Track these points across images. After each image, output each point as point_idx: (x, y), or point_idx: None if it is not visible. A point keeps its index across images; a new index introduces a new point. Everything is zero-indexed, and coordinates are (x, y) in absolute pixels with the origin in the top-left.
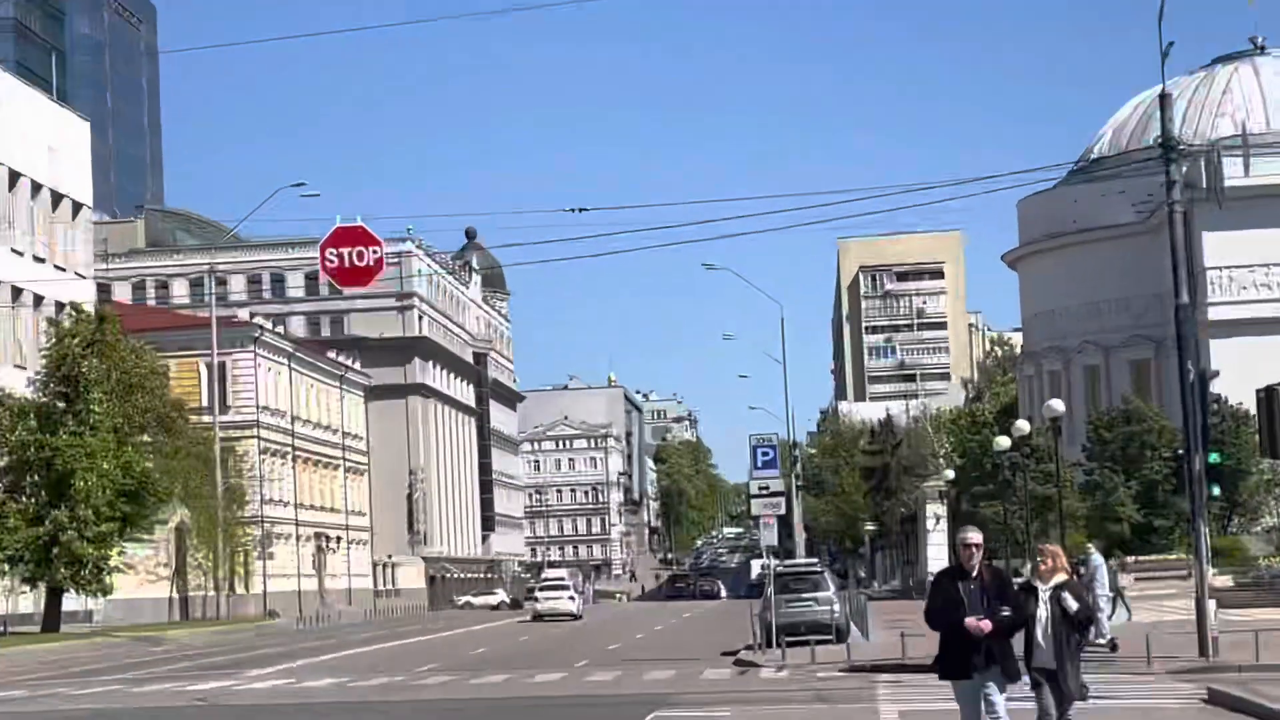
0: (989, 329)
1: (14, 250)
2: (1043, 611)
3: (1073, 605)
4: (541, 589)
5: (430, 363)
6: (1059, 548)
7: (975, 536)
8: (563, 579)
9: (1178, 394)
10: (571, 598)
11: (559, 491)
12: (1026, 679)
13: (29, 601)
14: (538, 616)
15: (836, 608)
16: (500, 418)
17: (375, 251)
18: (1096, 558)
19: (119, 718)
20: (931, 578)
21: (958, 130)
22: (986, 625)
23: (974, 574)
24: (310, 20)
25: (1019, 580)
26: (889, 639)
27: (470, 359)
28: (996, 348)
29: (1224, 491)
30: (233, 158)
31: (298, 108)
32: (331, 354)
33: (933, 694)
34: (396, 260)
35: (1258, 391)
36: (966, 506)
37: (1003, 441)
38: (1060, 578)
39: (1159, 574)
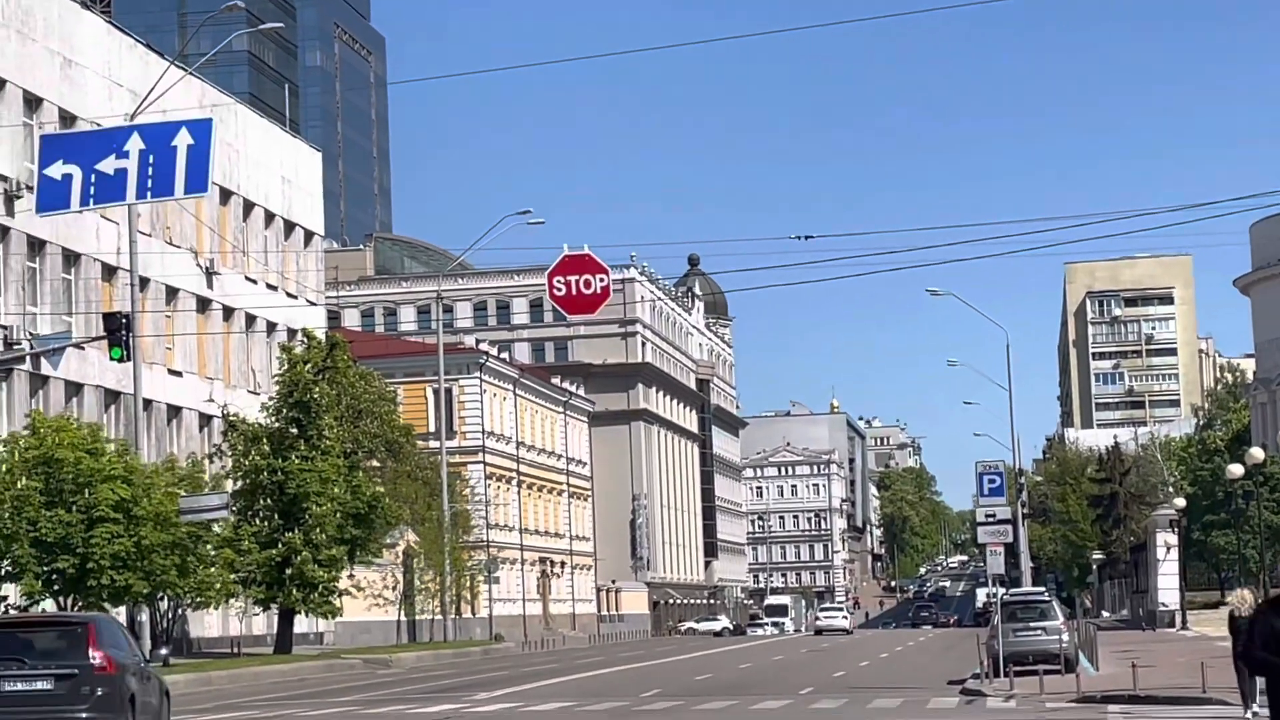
0: (1220, 355)
1: (248, 278)
2: None
3: None
4: (821, 610)
5: (653, 389)
6: None
7: None
8: (839, 607)
9: None
10: (845, 616)
11: (781, 518)
12: None
13: (261, 623)
14: (818, 631)
15: (1065, 637)
16: (722, 444)
17: (602, 280)
18: None
19: None
20: (1234, 608)
21: (1186, 151)
22: None
23: None
24: (534, 48)
25: None
26: (1119, 669)
27: (693, 385)
28: (1228, 374)
29: None
30: (460, 186)
31: (524, 136)
32: (556, 380)
33: None
34: (621, 287)
35: None
36: (1198, 535)
37: (1235, 469)
38: None
39: None
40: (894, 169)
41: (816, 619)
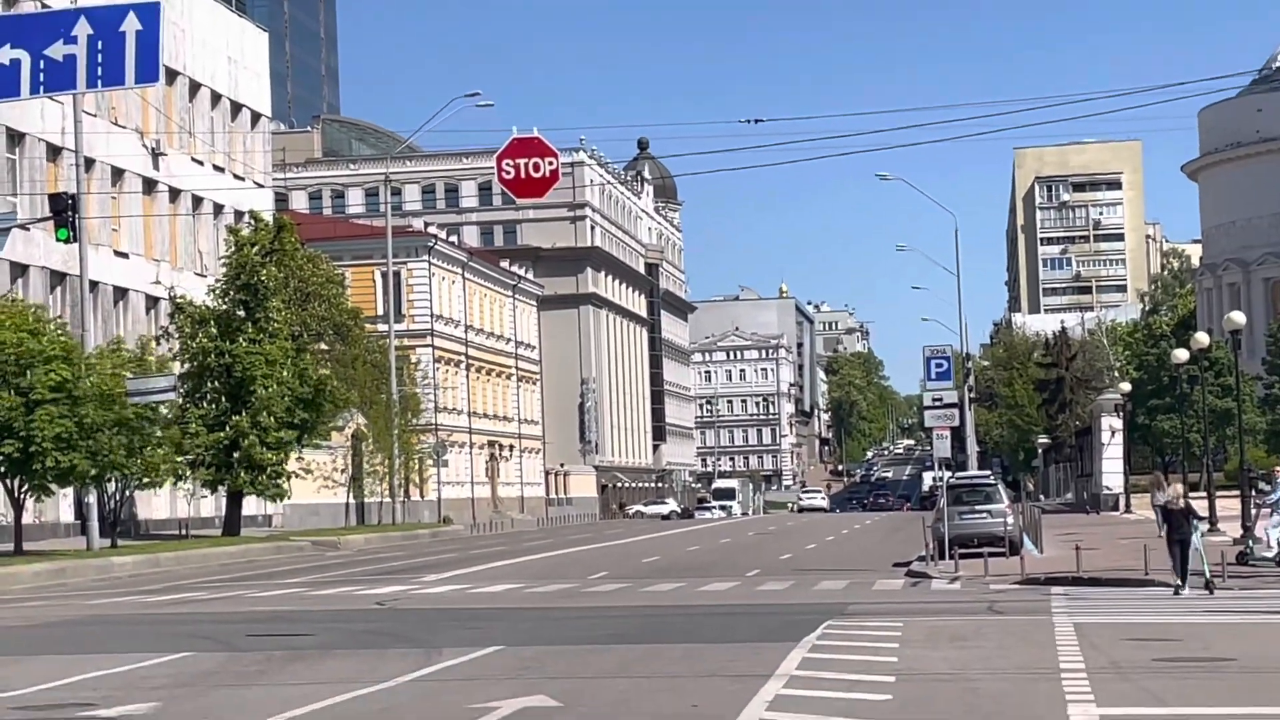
0: (1167, 241)
1: (194, 159)
2: None
3: None
4: (804, 492)
5: (602, 273)
6: None
7: None
8: (818, 490)
9: None
10: (824, 498)
11: (730, 402)
12: None
13: (210, 505)
14: (800, 510)
15: (1010, 520)
16: (671, 328)
17: (551, 163)
18: None
19: (299, 619)
20: (1151, 494)
21: (1135, 38)
22: None
23: None
24: None
25: None
26: (1062, 552)
27: (642, 269)
28: (1174, 260)
29: None
30: (408, 69)
31: (474, 19)
32: (504, 264)
33: (1108, 606)
34: (570, 171)
35: None
36: (1143, 420)
37: (1180, 354)
38: None
39: None
40: (845, 54)
41: (799, 499)
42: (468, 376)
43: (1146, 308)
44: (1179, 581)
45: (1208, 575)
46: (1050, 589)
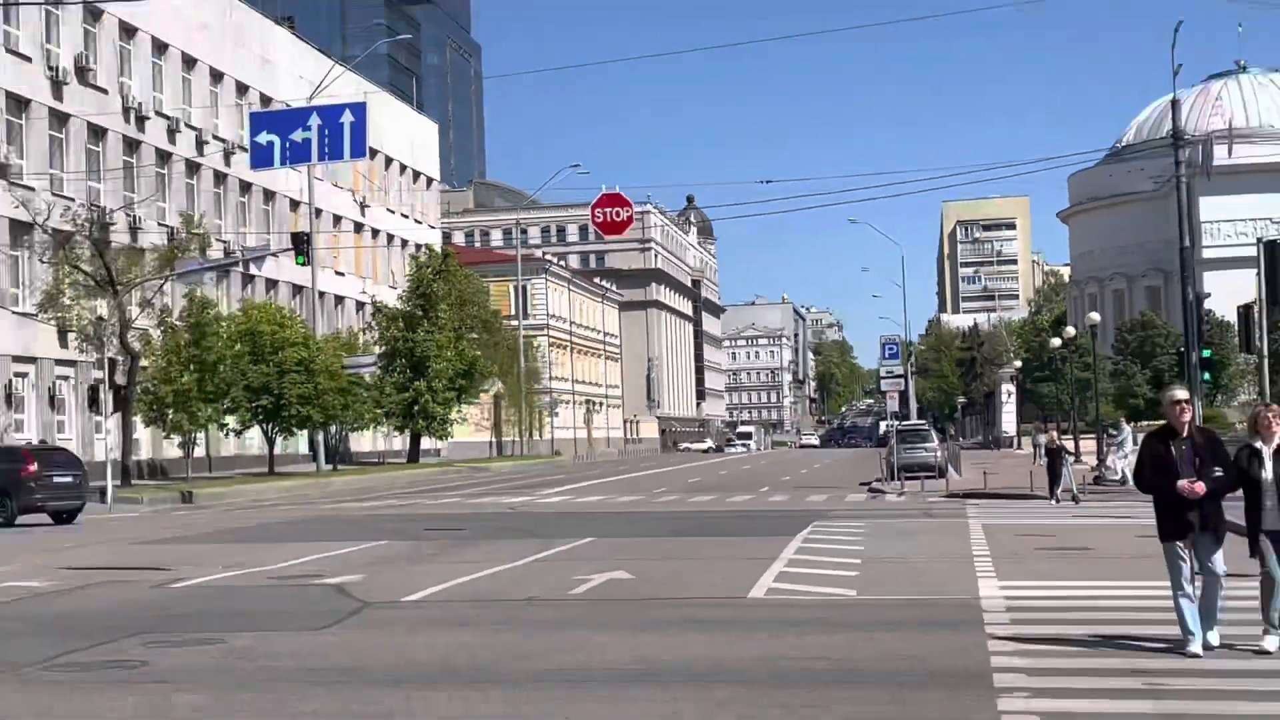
0: (1046, 264)
1: (388, 210)
2: (1268, 471)
3: None
4: (803, 434)
5: (662, 285)
6: (1277, 408)
7: (1184, 394)
8: (812, 433)
9: (1180, 310)
10: (816, 438)
11: (748, 374)
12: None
13: (398, 442)
14: (801, 446)
15: (939, 454)
16: (708, 323)
17: (627, 211)
18: (1126, 426)
19: (460, 519)
20: (1034, 436)
21: (1030, 121)
22: (1200, 488)
23: (1184, 434)
24: (584, 52)
25: (1234, 441)
26: (974, 476)
27: (689, 283)
28: (1051, 278)
29: (1212, 376)
30: (533, 146)
31: (578, 113)
32: (595, 280)
33: (1003, 512)
34: (640, 216)
35: (1238, 308)
36: (1029, 387)
37: (1055, 341)
38: None
39: None
40: (831, 123)
41: (800, 439)
42: (571, 356)
43: (1033, 310)
44: (1053, 495)
45: (1074, 491)
46: (966, 501)
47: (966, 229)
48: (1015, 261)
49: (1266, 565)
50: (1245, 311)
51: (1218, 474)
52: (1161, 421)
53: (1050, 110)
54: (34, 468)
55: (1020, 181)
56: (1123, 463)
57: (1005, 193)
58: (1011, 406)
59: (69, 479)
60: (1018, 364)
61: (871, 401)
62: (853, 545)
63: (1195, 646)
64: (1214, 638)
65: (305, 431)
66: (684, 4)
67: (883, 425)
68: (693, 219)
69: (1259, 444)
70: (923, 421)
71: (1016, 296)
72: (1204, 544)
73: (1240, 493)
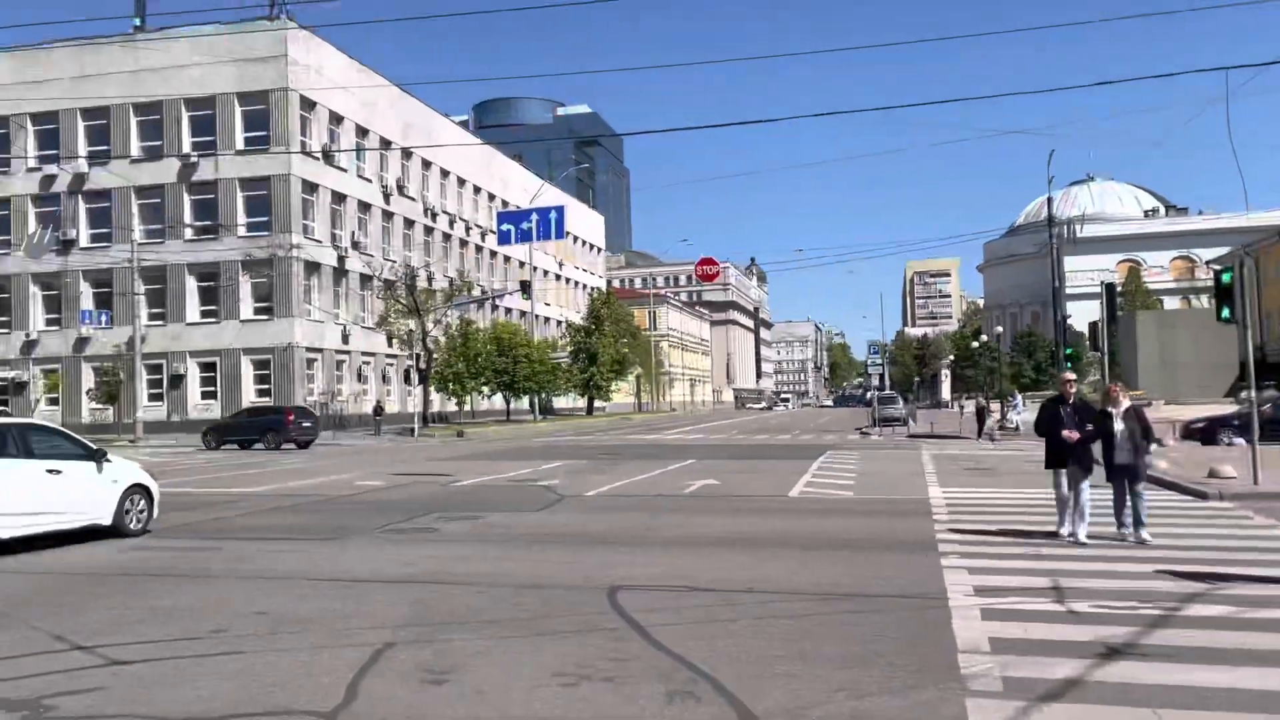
0: (969, 297)
1: (575, 265)
2: (1119, 426)
3: (1146, 421)
4: (823, 400)
5: (735, 311)
6: (1120, 385)
7: (1071, 375)
8: (789, 397)
9: (1052, 325)
10: (831, 401)
11: (787, 362)
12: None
13: (580, 403)
14: (820, 406)
15: (904, 411)
16: (763, 333)
17: (715, 267)
18: (1018, 395)
19: (618, 449)
20: (976, 400)
21: (963, 205)
22: (1075, 435)
23: (1070, 401)
24: (699, 169)
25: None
26: (925, 425)
27: (752, 309)
28: (972, 305)
29: (1072, 365)
30: (659, 227)
31: (686, 206)
32: (697, 307)
33: (944, 447)
34: (725, 269)
35: (1089, 323)
36: (959, 372)
37: (975, 344)
38: (1126, 403)
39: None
40: (843, 208)
41: (819, 402)
42: (683, 352)
43: (961, 325)
44: (979, 436)
45: (991, 434)
46: (920, 440)
47: (920, 276)
48: (950, 296)
49: (1118, 487)
50: (1093, 325)
51: (1089, 429)
52: (1052, 392)
53: (972, 200)
54: (292, 418)
55: (953, 246)
56: (1018, 417)
57: (944, 255)
58: (947, 384)
59: (308, 424)
60: (951, 358)
61: (862, 379)
62: (851, 465)
63: (1064, 531)
64: (1082, 532)
65: (527, 396)
66: (737, 136)
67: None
68: (754, 270)
69: (1110, 409)
70: (893, 392)
71: (950, 317)
72: (1076, 474)
73: (1100, 442)
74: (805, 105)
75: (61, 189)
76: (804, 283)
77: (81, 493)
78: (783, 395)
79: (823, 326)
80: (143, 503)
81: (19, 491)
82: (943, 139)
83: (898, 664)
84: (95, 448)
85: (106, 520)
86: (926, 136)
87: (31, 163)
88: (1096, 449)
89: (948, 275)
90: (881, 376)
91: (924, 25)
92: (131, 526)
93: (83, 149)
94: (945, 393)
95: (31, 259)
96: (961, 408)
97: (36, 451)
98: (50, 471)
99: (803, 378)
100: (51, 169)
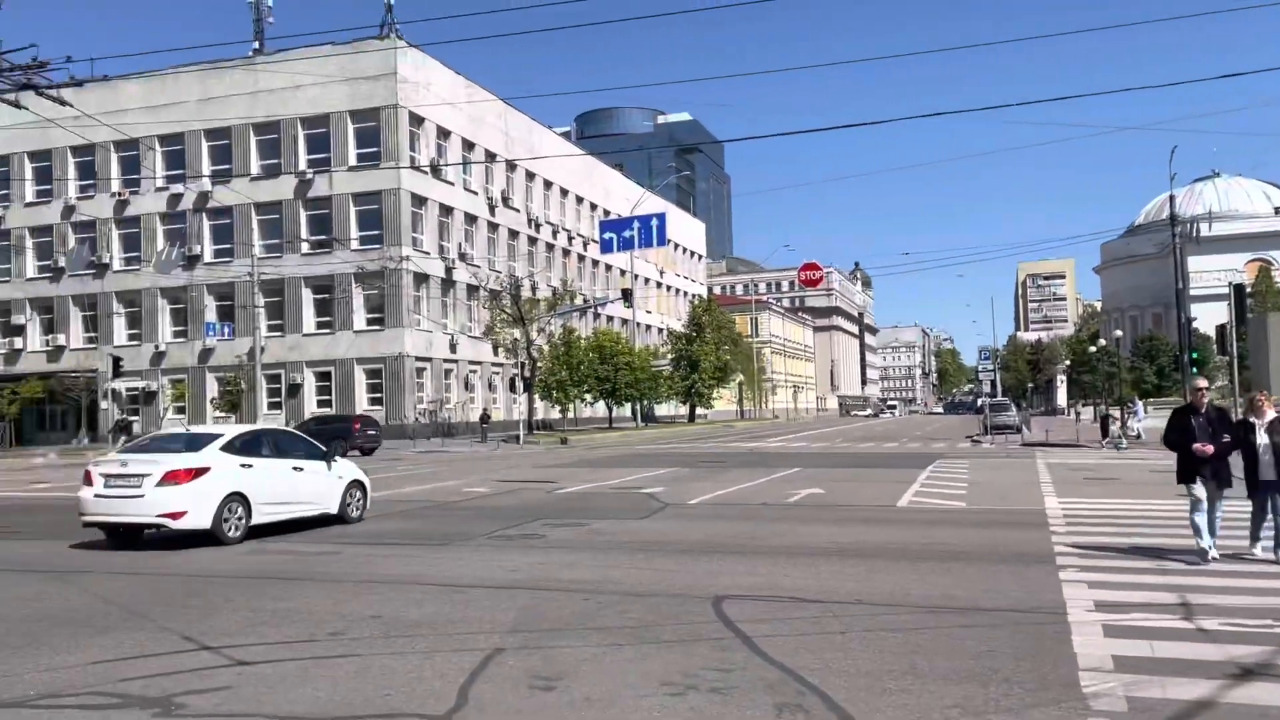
0: (1085, 300)
1: (676, 273)
2: (1263, 439)
3: None
4: (933, 406)
5: (839, 317)
6: (1267, 394)
7: (1204, 382)
8: (895, 404)
9: (1175, 328)
10: (941, 408)
11: (893, 369)
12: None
13: (681, 410)
14: (929, 413)
15: (1017, 418)
16: (868, 338)
17: (819, 272)
18: (1139, 402)
19: (721, 456)
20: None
21: (1077, 205)
22: (1209, 449)
23: (1202, 410)
24: (800, 174)
25: (1239, 416)
26: (1040, 433)
27: (856, 314)
28: (1088, 309)
29: (1197, 370)
30: (763, 232)
31: (791, 211)
32: (799, 313)
33: (1061, 455)
34: (827, 274)
35: (1216, 326)
36: (1075, 377)
37: (1092, 348)
38: (1272, 414)
39: (1166, 408)
40: (952, 209)
41: (928, 409)
42: (785, 359)
43: (1077, 328)
44: (1101, 444)
45: (1117, 441)
46: (1035, 448)
47: (1033, 278)
48: (1064, 299)
49: (1258, 503)
50: (1220, 328)
51: (1225, 439)
52: (1178, 400)
53: (1087, 200)
54: (358, 426)
55: (1068, 247)
56: (1139, 424)
57: (1058, 256)
58: (1063, 390)
59: (372, 432)
60: (1067, 363)
61: (971, 385)
62: (962, 474)
63: (1204, 544)
64: (1211, 546)
65: (629, 403)
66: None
67: (979, 400)
68: (858, 275)
69: (1253, 419)
70: (1006, 399)
71: (1065, 321)
72: (1213, 489)
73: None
74: (906, 108)
75: (187, 207)
76: (911, 287)
77: (317, 486)
78: (889, 402)
79: (930, 331)
80: (360, 496)
81: (276, 485)
82: (1055, 137)
83: (1014, 681)
84: (326, 449)
85: (334, 510)
86: (1037, 135)
87: (160, 183)
88: (1236, 464)
89: (1062, 277)
90: (993, 382)
91: (1031, 23)
92: (352, 514)
93: (206, 168)
94: (1061, 399)
95: (161, 274)
96: (1078, 415)
97: (285, 452)
98: (295, 469)
99: (909, 384)
100: (178, 188)
